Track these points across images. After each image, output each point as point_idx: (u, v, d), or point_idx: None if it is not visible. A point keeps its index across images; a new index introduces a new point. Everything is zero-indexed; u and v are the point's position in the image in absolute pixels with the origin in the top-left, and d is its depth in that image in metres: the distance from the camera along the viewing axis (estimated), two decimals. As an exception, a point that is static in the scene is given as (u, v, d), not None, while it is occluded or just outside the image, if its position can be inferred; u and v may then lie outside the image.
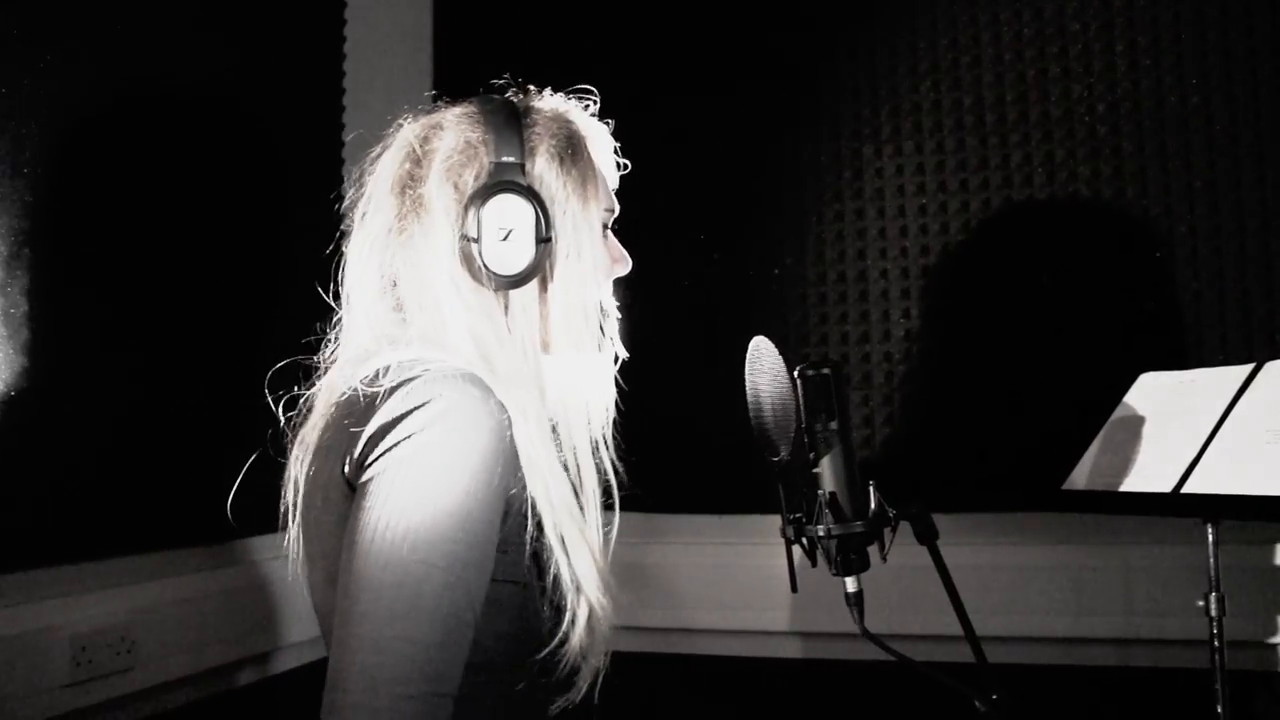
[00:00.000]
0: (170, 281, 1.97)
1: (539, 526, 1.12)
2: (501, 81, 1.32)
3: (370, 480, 1.04)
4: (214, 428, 2.02)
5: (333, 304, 1.26)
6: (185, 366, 1.99)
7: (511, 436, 1.09)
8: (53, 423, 1.75)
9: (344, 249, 1.26)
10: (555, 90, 1.31)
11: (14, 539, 1.68)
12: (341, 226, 2.43)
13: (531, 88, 1.30)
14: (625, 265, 1.33)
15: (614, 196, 1.33)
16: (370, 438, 1.06)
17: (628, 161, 1.35)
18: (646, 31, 2.55)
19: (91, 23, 1.84)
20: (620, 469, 1.27)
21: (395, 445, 1.04)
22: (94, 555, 1.84)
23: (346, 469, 1.09)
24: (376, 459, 1.04)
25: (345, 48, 2.49)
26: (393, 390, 1.08)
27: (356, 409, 1.11)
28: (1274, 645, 2.11)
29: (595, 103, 1.33)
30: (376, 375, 1.11)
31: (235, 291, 2.12)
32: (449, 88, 1.34)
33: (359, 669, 0.98)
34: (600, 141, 1.31)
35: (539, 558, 1.12)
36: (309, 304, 1.29)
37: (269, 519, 1.28)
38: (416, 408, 1.05)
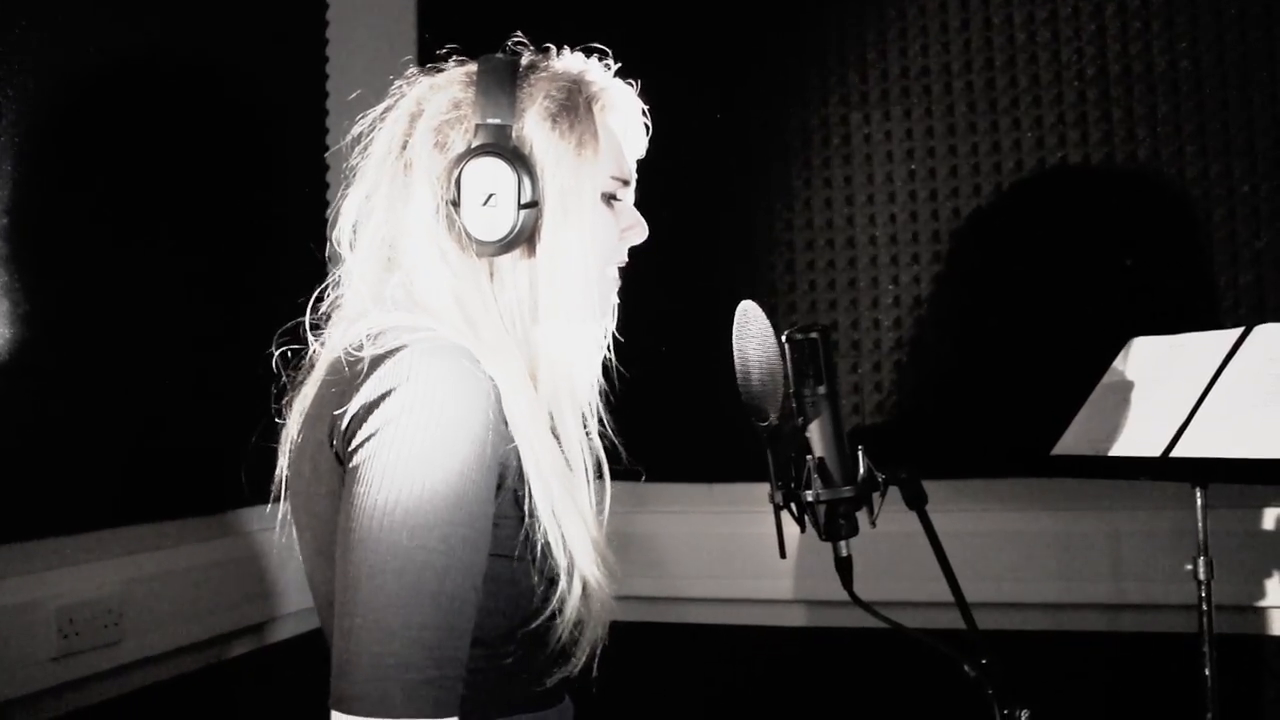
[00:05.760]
0: (152, 248, 1.95)
1: (530, 498, 1.11)
2: (519, 40, 1.27)
3: (360, 465, 1.02)
4: (203, 398, 2.00)
5: (327, 265, 1.25)
6: (174, 335, 1.97)
7: (501, 408, 1.08)
8: (39, 393, 1.74)
9: (340, 209, 1.24)
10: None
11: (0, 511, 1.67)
12: (328, 197, 2.40)
13: (550, 47, 1.26)
14: (639, 233, 1.30)
15: (628, 161, 1.28)
16: (356, 415, 1.04)
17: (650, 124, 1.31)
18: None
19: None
20: (616, 441, 1.26)
21: (382, 427, 1.02)
22: (82, 527, 1.83)
23: (335, 443, 1.08)
24: (364, 441, 1.03)
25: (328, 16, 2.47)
26: (377, 361, 1.06)
27: (342, 377, 1.09)
28: (1262, 609, 2.12)
29: (609, 63, 1.28)
30: (364, 341, 1.10)
31: (220, 259, 2.10)
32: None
33: (367, 657, 0.98)
34: (619, 104, 1.27)
35: (530, 530, 1.11)
36: (302, 270, 1.28)
37: (259, 489, 1.27)
38: (401, 386, 1.03)
